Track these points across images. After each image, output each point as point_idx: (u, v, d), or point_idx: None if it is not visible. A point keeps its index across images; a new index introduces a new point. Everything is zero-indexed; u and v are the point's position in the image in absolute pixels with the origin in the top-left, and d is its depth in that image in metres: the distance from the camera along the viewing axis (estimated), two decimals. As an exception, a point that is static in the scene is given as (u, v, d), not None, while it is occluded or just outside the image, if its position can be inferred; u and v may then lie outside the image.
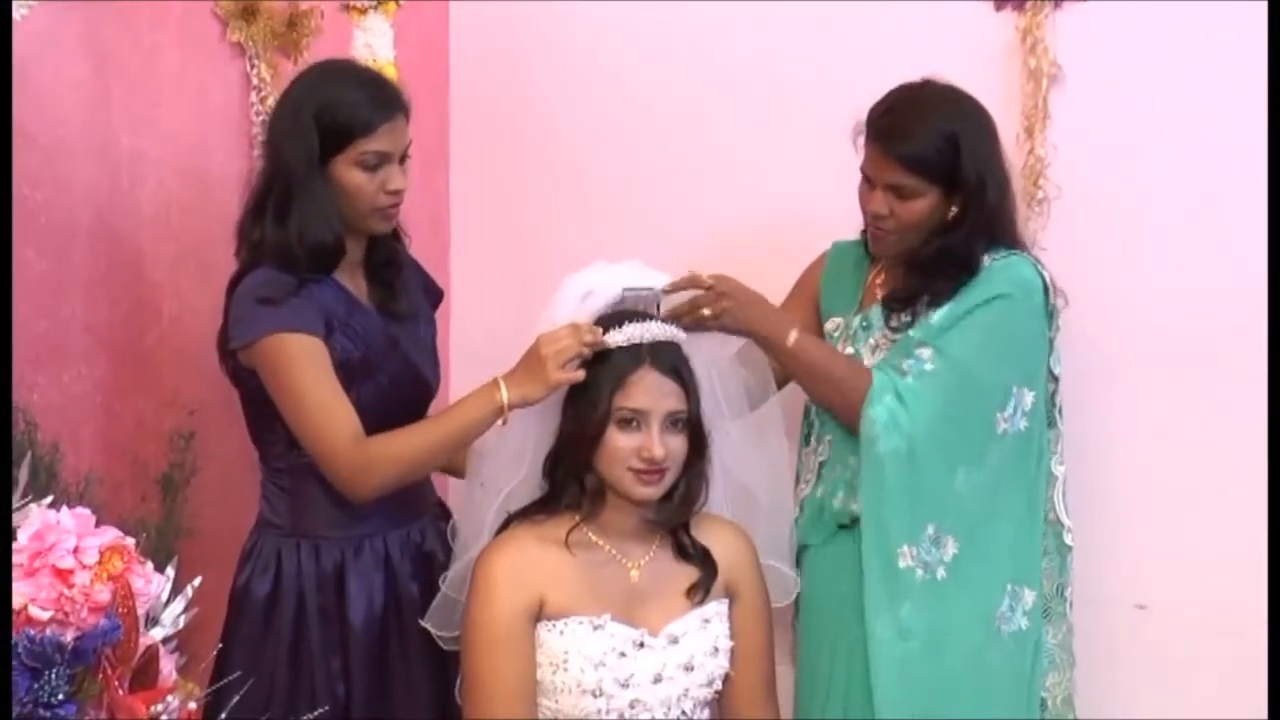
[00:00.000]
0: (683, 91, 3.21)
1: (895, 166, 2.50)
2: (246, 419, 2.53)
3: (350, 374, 2.44)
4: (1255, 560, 2.48)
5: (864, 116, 2.56)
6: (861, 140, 2.57)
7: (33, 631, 1.72)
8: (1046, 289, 2.57)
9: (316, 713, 2.27)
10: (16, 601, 1.74)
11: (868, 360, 2.59)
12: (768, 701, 2.45)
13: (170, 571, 1.93)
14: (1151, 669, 2.85)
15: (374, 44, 2.98)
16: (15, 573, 1.75)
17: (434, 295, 2.74)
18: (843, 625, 2.57)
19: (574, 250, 2.52)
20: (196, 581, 1.98)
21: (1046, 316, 2.58)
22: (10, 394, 2.22)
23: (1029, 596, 2.57)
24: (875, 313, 2.63)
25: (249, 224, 2.46)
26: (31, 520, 1.79)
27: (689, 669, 2.34)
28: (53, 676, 1.70)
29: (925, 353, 2.51)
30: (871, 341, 2.62)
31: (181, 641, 1.96)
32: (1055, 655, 2.66)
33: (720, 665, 2.37)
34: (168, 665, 1.85)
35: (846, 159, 2.61)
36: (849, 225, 2.70)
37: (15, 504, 1.95)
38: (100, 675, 1.74)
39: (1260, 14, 2.65)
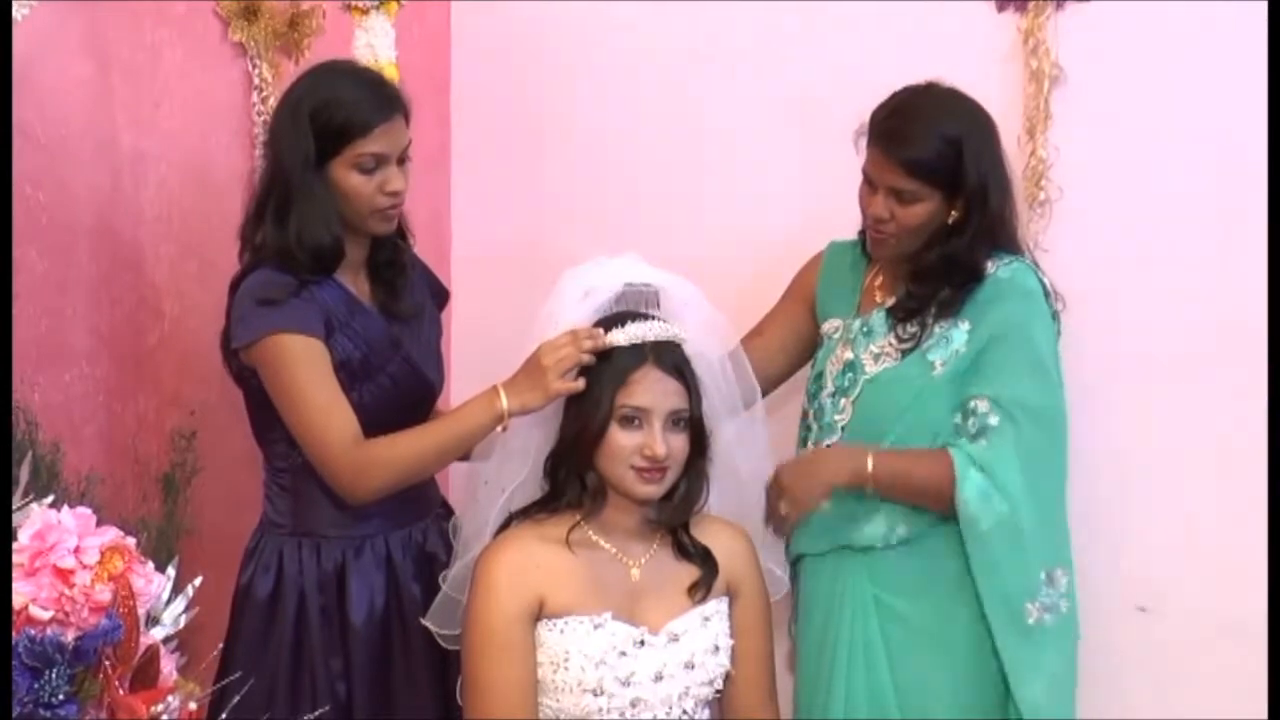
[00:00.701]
0: (684, 92, 3.21)
1: (897, 170, 2.50)
2: (250, 419, 2.53)
3: (351, 374, 2.44)
4: (1256, 562, 2.49)
5: (865, 117, 2.56)
6: (863, 142, 2.57)
7: (33, 631, 1.72)
8: (1047, 295, 2.57)
9: (317, 713, 2.27)
10: (17, 601, 1.74)
11: (869, 366, 2.59)
12: (768, 700, 2.45)
13: (171, 571, 1.93)
14: (1153, 670, 2.85)
15: (376, 44, 2.97)
16: (16, 572, 1.75)
17: (440, 296, 2.74)
18: (843, 630, 2.58)
19: (575, 251, 2.52)
20: (197, 581, 1.98)
21: (1052, 320, 2.59)
22: (11, 394, 2.22)
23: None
24: (878, 319, 2.63)
25: (250, 225, 2.47)
26: (32, 520, 1.79)
27: (690, 667, 2.34)
28: (53, 676, 1.70)
29: (982, 405, 2.50)
30: (874, 348, 2.61)
31: (182, 641, 1.96)
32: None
33: (721, 664, 2.37)
34: (168, 665, 1.85)
35: (848, 160, 2.60)
36: (849, 226, 2.70)
37: (16, 503, 1.96)
38: (101, 675, 1.74)
39: (1261, 14, 2.65)
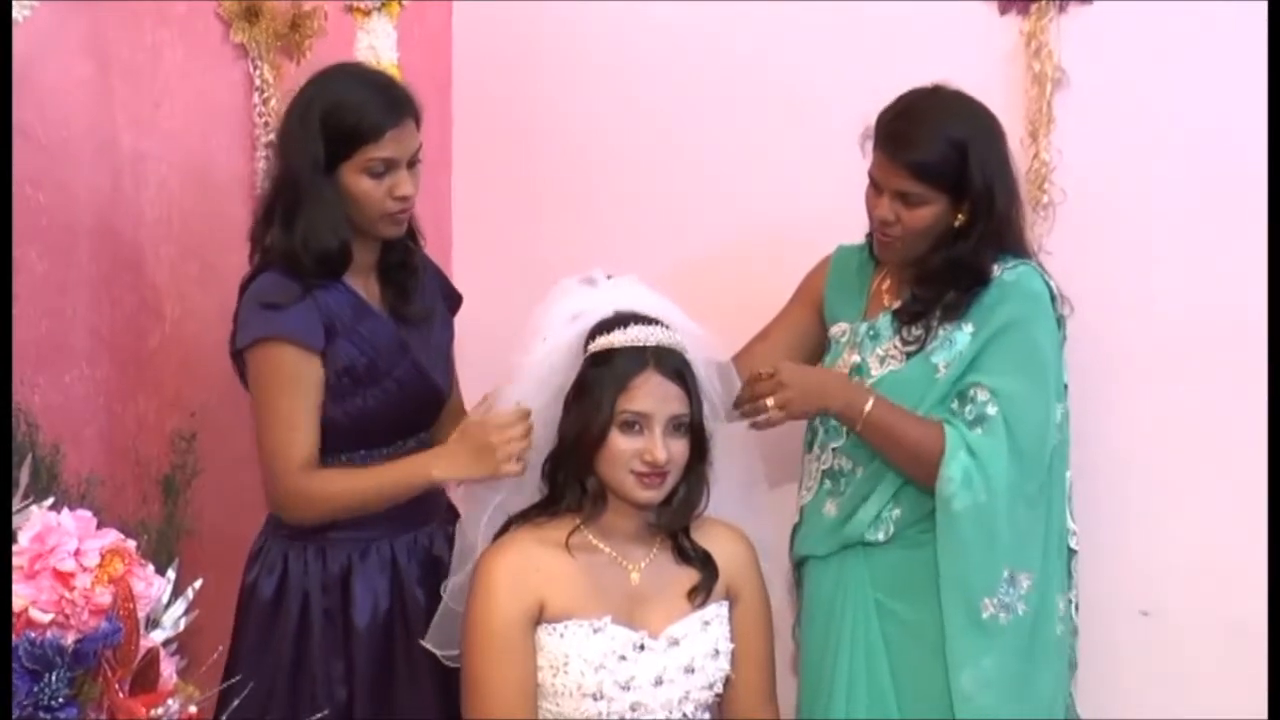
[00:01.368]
0: (687, 94, 3.20)
1: (903, 173, 2.49)
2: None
3: (356, 380, 2.44)
4: (1257, 565, 2.48)
5: (870, 119, 2.56)
6: (869, 145, 2.56)
7: (33, 634, 1.72)
8: (1053, 298, 2.57)
9: (317, 716, 2.26)
10: (17, 604, 1.74)
11: (875, 369, 2.59)
12: (769, 704, 2.45)
13: (171, 574, 1.93)
14: (1153, 672, 2.85)
15: (377, 45, 2.98)
16: (16, 575, 1.75)
17: (452, 299, 2.72)
18: (844, 633, 2.58)
19: (577, 252, 2.52)
20: (197, 584, 1.97)
21: (1057, 326, 2.58)
22: (11, 394, 2.22)
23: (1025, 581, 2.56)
24: (884, 322, 2.62)
25: (260, 227, 2.46)
26: (32, 522, 1.79)
27: (690, 671, 2.33)
28: (53, 679, 1.70)
29: (982, 394, 2.50)
30: (880, 351, 2.61)
31: (182, 644, 1.96)
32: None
33: (721, 668, 2.37)
34: (168, 668, 1.85)
35: (852, 162, 2.60)
36: (856, 229, 2.69)
37: (16, 506, 1.96)
38: (101, 678, 1.74)
39: (1261, 16, 2.64)
